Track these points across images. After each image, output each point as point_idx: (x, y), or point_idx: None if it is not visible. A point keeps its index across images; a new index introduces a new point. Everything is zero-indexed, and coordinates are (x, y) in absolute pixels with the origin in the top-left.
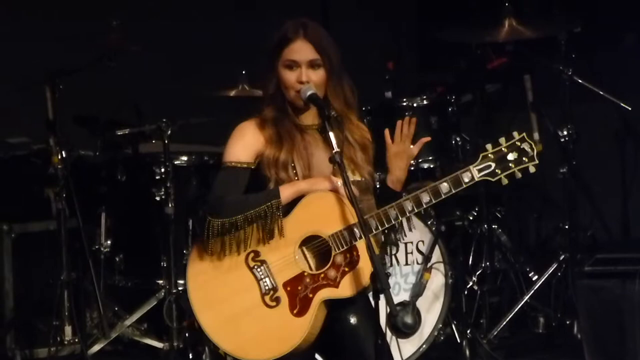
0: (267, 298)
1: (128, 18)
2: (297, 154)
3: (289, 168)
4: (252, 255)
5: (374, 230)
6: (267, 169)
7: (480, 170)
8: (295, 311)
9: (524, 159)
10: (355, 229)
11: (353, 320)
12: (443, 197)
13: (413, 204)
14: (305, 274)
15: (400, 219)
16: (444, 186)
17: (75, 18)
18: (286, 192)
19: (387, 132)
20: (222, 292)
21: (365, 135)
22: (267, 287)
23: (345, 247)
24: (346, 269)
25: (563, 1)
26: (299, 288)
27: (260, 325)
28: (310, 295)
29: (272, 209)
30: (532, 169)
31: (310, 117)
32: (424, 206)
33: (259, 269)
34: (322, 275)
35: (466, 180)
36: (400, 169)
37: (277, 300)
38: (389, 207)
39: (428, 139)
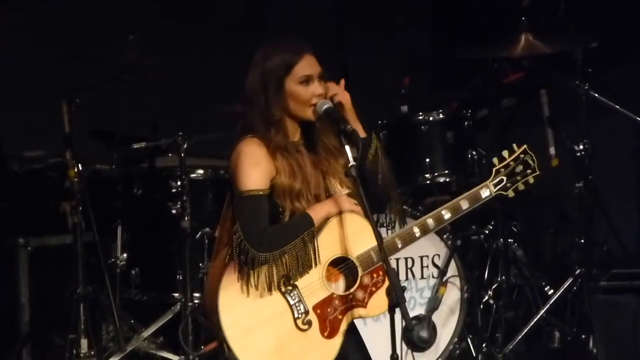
0: (299, 322)
1: (145, 33)
2: (305, 182)
3: (301, 197)
4: (283, 280)
5: (399, 249)
6: (281, 198)
7: (495, 185)
8: (326, 333)
9: (527, 171)
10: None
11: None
12: (463, 213)
13: (435, 222)
14: (334, 296)
15: (422, 236)
16: (464, 202)
17: (92, 34)
18: (316, 217)
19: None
20: (257, 318)
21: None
22: (300, 312)
23: (371, 268)
24: (373, 289)
25: (579, 16)
26: (329, 310)
27: (295, 349)
28: (340, 317)
29: (310, 237)
30: (531, 180)
31: (296, 133)
32: (446, 223)
33: (291, 294)
34: (351, 296)
35: (484, 195)
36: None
37: (309, 323)
38: (412, 226)
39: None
